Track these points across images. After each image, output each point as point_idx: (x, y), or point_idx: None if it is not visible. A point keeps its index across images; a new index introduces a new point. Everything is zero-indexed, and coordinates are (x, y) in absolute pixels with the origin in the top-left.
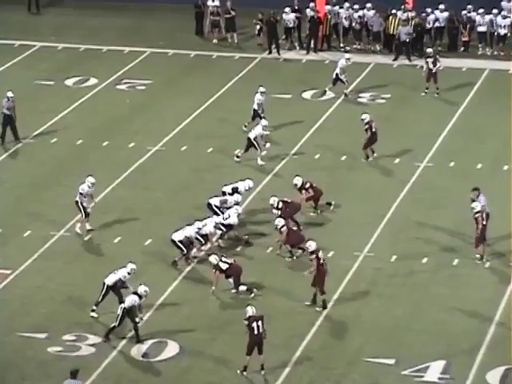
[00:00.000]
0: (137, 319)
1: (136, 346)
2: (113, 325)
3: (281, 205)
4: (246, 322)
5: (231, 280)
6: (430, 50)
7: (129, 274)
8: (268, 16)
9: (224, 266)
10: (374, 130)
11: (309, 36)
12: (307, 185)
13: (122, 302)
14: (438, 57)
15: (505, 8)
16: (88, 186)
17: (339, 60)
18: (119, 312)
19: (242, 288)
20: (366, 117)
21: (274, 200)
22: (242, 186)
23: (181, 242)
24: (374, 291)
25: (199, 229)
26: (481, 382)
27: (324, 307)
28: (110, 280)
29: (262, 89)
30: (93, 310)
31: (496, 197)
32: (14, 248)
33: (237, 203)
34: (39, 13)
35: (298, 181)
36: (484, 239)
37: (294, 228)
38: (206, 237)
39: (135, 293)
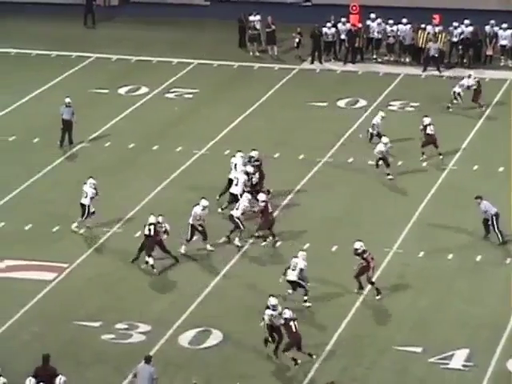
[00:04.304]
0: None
1: (183, 335)
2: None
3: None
4: (283, 322)
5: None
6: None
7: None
8: (313, 29)
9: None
10: (428, 132)
11: (347, 48)
12: None
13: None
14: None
15: None
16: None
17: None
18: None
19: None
20: (427, 120)
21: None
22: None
23: (238, 218)
24: (402, 284)
25: (250, 199)
26: (502, 368)
27: (378, 293)
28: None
29: (382, 113)
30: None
31: None
32: (70, 243)
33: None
34: (94, 27)
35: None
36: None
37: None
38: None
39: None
